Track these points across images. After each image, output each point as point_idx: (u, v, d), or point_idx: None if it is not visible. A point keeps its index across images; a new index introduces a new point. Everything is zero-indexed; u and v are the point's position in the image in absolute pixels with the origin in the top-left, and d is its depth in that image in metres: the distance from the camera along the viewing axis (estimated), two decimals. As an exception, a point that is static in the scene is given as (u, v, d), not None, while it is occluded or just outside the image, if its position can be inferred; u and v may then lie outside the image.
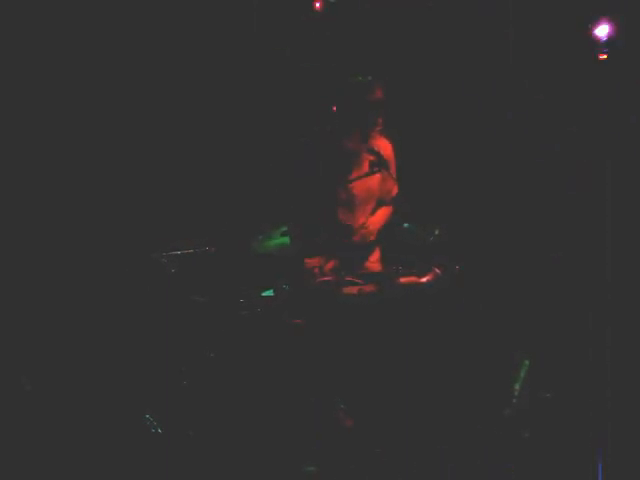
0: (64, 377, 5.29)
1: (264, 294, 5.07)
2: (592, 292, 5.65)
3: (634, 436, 4.76)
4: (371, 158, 4.96)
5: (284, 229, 4.91)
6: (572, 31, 5.86)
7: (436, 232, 4.94)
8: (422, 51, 6.35)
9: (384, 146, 5.07)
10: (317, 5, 6.34)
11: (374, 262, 5.14)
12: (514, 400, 4.92)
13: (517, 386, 4.95)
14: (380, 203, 5.17)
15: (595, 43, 5.59)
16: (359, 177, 4.94)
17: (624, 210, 5.80)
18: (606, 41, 5.56)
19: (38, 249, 5.79)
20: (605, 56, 5.54)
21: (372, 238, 5.10)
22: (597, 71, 5.68)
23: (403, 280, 4.72)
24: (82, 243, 5.87)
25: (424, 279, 4.74)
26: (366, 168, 4.97)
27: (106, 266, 5.72)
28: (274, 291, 4.98)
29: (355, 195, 5.01)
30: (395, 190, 5.17)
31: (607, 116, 5.85)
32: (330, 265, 4.88)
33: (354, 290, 4.71)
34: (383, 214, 5.18)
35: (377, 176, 4.99)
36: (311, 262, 4.90)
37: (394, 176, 5.08)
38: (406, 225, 5.07)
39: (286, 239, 4.92)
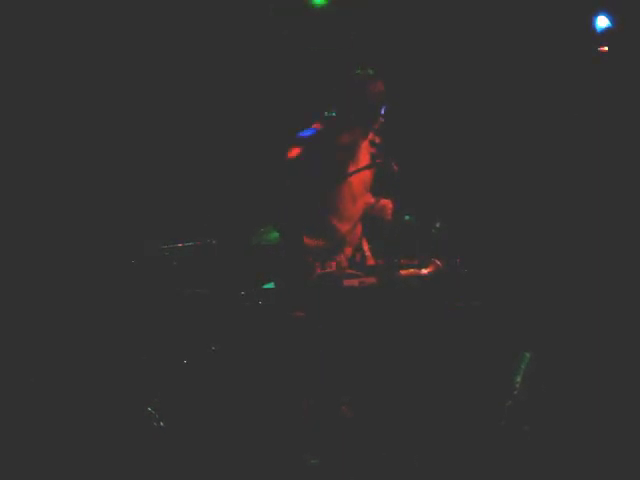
0: (67, 369, 5.30)
1: (265, 286, 5.08)
2: (592, 284, 5.66)
3: (634, 430, 4.77)
4: (372, 150, 4.97)
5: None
6: (572, 25, 5.87)
7: (437, 224, 4.95)
8: (424, 44, 6.35)
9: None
10: None
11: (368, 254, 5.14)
12: (515, 392, 4.92)
13: (518, 378, 4.95)
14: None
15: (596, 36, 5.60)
16: (360, 169, 4.94)
17: (623, 202, 5.81)
18: (606, 34, 5.57)
19: (39, 241, 5.80)
20: (606, 48, 5.54)
21: (390, 217, 5.10)
22: (597, 64, 5.69)
23: (404, 272, 4.73)
24: (84, 237, 5.88)
25: (425, 271, 4.75)
26: (366, 161, 4.97)
27: (108, 259, 5.73)
28: (275, 284, 4.99)
29: (355, 187, 5.00)
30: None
31: (607, 111, 5.87)
32: (331, 257, 4.87)
33: (355, 282, 4.71)
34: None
35: (369, 170, 5.01)
36: (311, 254, 4.89)
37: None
38: (407, 217, 5.08)
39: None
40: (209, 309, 5.06)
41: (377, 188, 5.09)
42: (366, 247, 5.07)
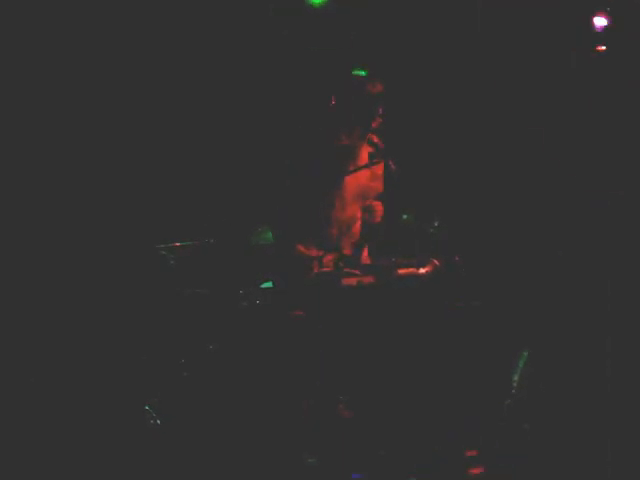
0: (67, 369, 5.31)
1: (263, 286, 5.09)
2: (592, 283, 5.65)
3: (634, 429, 4.76)
4: (370, 150, 4.97)
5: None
6: (571, 24, 5.87)
7: (435, 223, 4.95)
8: (424, 44, 6.36)
9: None
10: None
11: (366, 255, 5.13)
12: (514, 391, 4.92)
13: (517, 377, 4.94)
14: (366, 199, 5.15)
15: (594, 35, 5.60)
16: (358, 169, 4.94)
17: (622, 201, 5.80)
18: (604, 32, 5.57)
19: (38, 241, 5.81)
20: (604, 47, 5.54)
21: (379, 219, 5.07)
22: (596, 63, 5.69)
23: (402, 271, 4.72)
24: (83, 237, 5.88)
25: (423, 270, 4.74)
26: (365, 160, 4.97)
27: (106, 258, 5.74)
28: (273, 283, 4.99)
29: (346, 194, 4.99)
30: (381, 188, 5.15)
31: (606, 109, 5.86)
32: (328, 257, 4.87)
33: (353, 281, 4.70)
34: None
35: (368, 172, 4.99)
36: (309, 254, 4.89)
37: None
38: (405, 216, 5.08)
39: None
40: (207, 309, 5.07)
41: (370, 191, 5.09)
42: (365, 251, 5.07)
